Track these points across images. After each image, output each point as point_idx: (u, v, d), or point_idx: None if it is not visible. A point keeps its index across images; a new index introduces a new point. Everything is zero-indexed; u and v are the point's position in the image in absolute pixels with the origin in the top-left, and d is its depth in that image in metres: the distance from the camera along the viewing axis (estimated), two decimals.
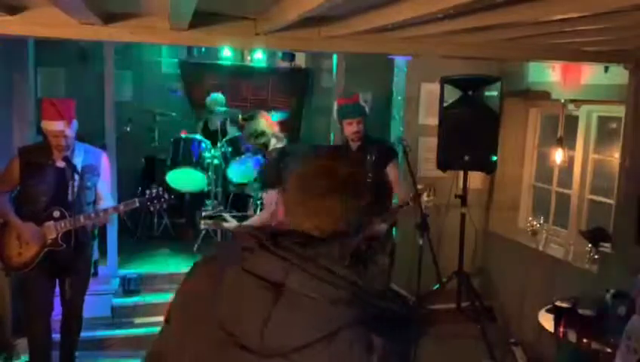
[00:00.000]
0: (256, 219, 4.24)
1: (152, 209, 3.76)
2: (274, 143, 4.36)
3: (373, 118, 7.05)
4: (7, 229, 3.52)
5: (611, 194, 4.38)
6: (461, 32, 3.09)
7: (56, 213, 3.47)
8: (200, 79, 7.25)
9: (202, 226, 4.55)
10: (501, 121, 4.80)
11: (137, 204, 3.64)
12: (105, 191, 3.73)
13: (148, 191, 3.75)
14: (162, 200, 3.73)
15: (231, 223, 4.25)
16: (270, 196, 3.38)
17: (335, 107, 4.16)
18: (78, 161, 3.56)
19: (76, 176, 3.46)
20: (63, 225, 3.45)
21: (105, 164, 3.74)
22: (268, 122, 4.43)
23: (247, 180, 5.79)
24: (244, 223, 4.27)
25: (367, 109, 4.09)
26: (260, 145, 4.42)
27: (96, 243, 3.89)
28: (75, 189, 3.47)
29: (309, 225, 1.23)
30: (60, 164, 3.49)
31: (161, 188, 3.81)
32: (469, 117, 4.62)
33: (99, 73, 5.07)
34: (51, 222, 3.46)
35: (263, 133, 4.36)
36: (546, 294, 3.70)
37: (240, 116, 5.03)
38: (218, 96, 6.37)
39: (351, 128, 4.03)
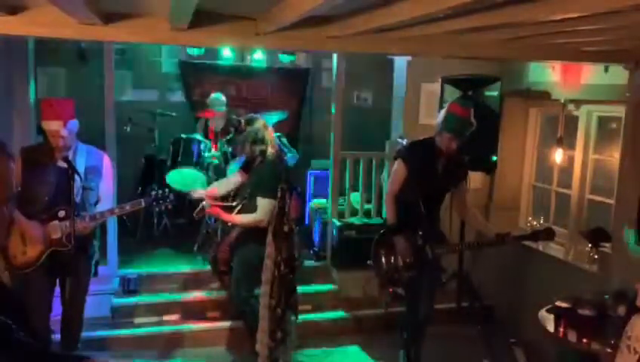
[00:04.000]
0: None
1: (157, 209, 3.76)
2: (270, 153, 4.06)
3: (373, 117, 7.16)
4: (11, 228, 3.51)
5: (611, 194, 4.38)
6: (461, 32, 3.10)
7: (61, 213, 3.45)
8: (200, 79, 7.25)
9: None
10: (501, 121, 4.79)
11: (143, 205, 3.64)
12: (105, 193, 3.70)
13: (154, 192, 3.74)
14: (168, 200, 3.74)
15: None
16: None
17: (445, 113, 3.79)
18: (81, 162, 3.55)
19: (77, 177, 3.46)
20: (68, 224, 3.43)
21: (107, 165, 3.72)
22: (268, 130, 4.19)
23: None
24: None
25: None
26: (257, 152, 4.05)
27: (98, 243, 3.88)
28: (77, 190, 3.47)
29: None
30: (62, 164, 3.49)
31: (166, 190, 3.81)
32: None
33: (99, 73, 5.07)
34: (56, 222, 3.46)
35: (262, 140, 4.04)
36: (546, 294, 3.69)
37: (242, 120, 4.77)
38: (219, 95, 6.35)
39: (451, 145, 3.78)
